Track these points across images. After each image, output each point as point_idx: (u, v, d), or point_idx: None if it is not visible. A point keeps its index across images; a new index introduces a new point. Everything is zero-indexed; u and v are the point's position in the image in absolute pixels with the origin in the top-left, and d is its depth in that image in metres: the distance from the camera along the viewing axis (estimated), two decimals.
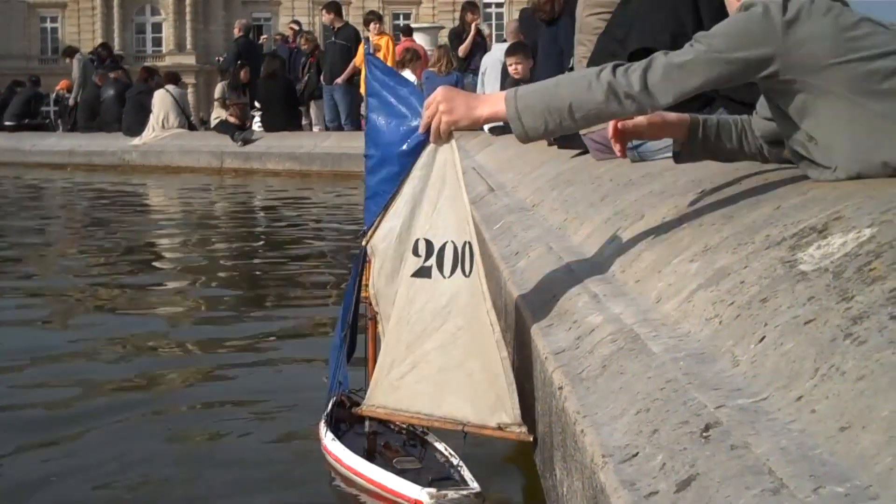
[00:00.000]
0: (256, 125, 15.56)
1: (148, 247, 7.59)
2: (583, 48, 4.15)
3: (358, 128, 15.26)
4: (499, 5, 65.76)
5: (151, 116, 16.02)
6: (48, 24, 69.76)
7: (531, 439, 2.02)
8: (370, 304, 2.36)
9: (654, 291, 1.93)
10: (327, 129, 15.66)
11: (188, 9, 67.94)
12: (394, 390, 2.26)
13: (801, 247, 1.62)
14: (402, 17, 67.41)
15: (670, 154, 3.40)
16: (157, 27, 68.69)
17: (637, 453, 1.28)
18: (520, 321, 2.37)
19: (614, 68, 2.03)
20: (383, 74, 2.32)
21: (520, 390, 2.08)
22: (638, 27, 3.45)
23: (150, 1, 68.42)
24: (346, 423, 2.52)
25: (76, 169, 16.09)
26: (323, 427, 2.48)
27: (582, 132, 4.30)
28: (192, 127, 16.97)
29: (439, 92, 2.15)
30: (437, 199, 2.18)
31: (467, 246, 2.13)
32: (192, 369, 3.78)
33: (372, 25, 15.01)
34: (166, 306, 5.01)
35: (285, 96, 15.08)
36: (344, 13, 19.09)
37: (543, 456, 1.93)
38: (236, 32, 17.32)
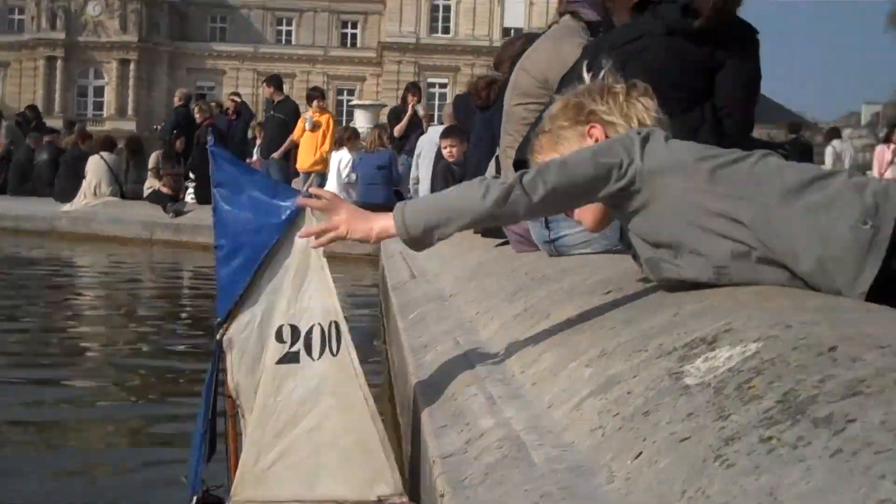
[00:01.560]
0: (190, 197, 15.44)
1: (64, 321, 7.46)
2: (509, 138, 4.17)
3: None
4: (442, 86, 66.40)
5: (84, 183, 15.85)
6: None
7: None
8: (229, 399, 2.30)
9: (547, 396, 1.92)
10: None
11: (132, 74, 67.89)
12: (262, 481, 2.22)
13: (689, 358, 1.61)
14: (345, 92, 67.88)
15: (587, 250, 3.43)
16: (99, 91, 68.51)
17: None
18: (417, 420, 2.34)
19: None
20: (231, 165, 2.31)
21: (414, 493, 2.04)
22: None
23: (94, 64, 68.28)
24: None
25: (2, 234, 15.81)
26: None
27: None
28: (125, 195, 16.83)
29: (343, 213, 2.16)
30: (301, 284, 2.17)
31: (333, 325, 2.15)
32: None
33: (315, 102, 15.07)
34: (75, 379, 4.92)
35: None
36: (288, 87, 19.12)
37: None
38: (176, 101, 17.30)
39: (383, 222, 2.14)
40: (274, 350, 2.20)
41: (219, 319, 2.28)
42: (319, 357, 2.15)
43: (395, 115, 14.67)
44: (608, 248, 3.37)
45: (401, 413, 3.27)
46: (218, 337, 2.27)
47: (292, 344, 2.17)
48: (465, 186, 2.20)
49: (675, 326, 1.85)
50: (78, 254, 13.34)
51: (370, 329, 6.38)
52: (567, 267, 3.13)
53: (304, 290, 2.18)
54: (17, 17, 69.61)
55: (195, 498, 2.43)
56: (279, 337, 2.19)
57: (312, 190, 2.36)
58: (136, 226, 14.76)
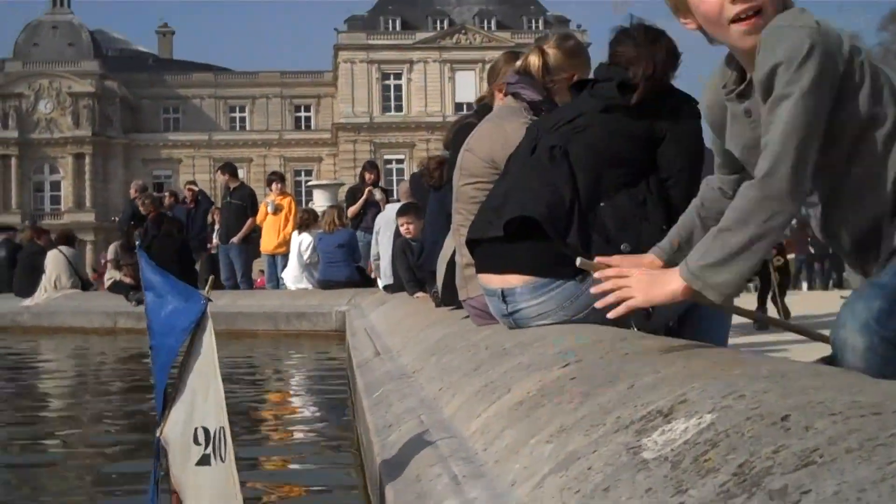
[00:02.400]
0: None
1: (30, 412, 7.39)
2: (460, 216, 4.20)
3: (251, 286, 15.22)
4: (399, 161, 66.82)
5: (44, 277, 15.81)
6: None
7: None
8: (174, 494, 2.30)
9: (510, 474, 1.91)
10: (223, 287, 15.59)
11: (87, 167, 68.01)
12: None
13: (646, 431, 1.62)
14: (303, 173, 68.19)
15: (546, 321, 3.44)
16: (55, 185, 68.56)
17: None
18: (383, 501, 2.32)
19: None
20: (153, 269, 2.35)
21: None
22: (514, 197, 3.50)
23: (48, 160, 68.36)
24: None
25: None
26: None
27: (462, 298, 4.33)
28: (86, 286, 16.76)
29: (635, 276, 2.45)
30: (206, 387, 2.17)
31: (222, 431, 2.13)
32: None
33: (274, 185, 15.16)
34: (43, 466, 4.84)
35: (180, 256, 14.99)
36: (246, 171, 19.12)
37: None
38: (132, 193, 17.30)
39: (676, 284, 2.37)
40: (194, 451, 2.22)
41: (157, 418, 2.28)
42: (221, 461, 2.17)
43: (353, 194, 14.74)
44: (566, 318, 3.38)
45: (371, 491, 3.25)
46: (158, 434, 2.28)
47: (206, 446, 2.19)
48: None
49: (631, 398, 1.86)
50: (42, 347, 13.22)
51: (341, 402, 6.36)
52: (525, 340, 3.14)
53: (208, 393, 2.19)
54: None
55: None
56: (195, 439, 2.21)
57: (599, 260, 2.65)
58: (100, 316, 14.69)
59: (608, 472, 1.56)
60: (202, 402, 2.18)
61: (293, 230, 14.63)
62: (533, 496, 1.71)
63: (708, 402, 1.59)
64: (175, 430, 2.23)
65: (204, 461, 2.18)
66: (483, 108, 5.36)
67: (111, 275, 15.63)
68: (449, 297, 5.47)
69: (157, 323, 2.25)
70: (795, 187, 2.22)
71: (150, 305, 2.27)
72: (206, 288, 2.20)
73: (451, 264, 4.85)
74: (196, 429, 2.19)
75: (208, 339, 2.16)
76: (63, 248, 16.28)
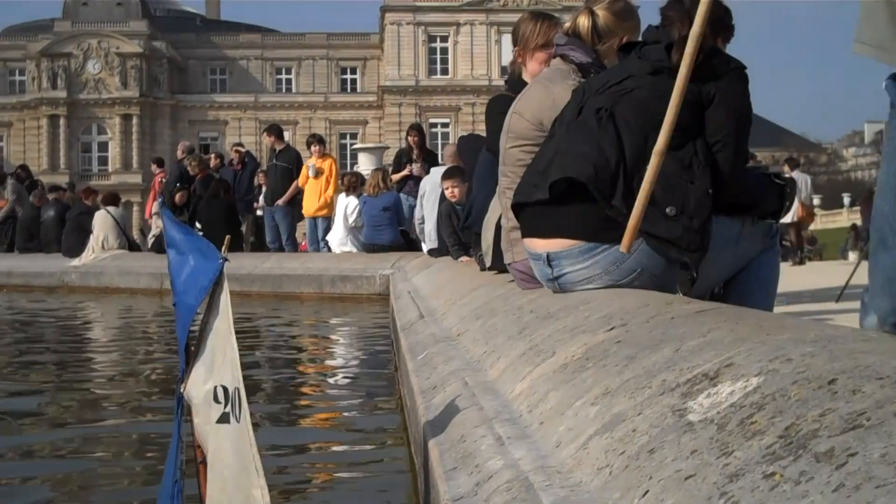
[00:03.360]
0: None
1: (84, 362, 7.53)
2: (506, 179, 4.19)
3: (296, 249, 15.30)
4: (444, 125, 66.68)
5: (91, 237, 15.97)
6: None
7: None
8: (198, 448, 2.34)
9: (554, 435, 1.92)
10: (268, 250, 15.69)
11: (135, 128, 68.39)
12: None
13: (692, 394, 1.62)
14: (348, 136, 68.23)
15: (590, 286, 3.44)
16: (103, 146, 68.98)
17: None
18: (429, 462, 2.34)
19: None
20: (177, 226, 2.38)
21: None
22: (559, 160, 3.49)
23: (96, 121, 68.78)
24: None
25: (13, 290, 15.91)
26: None
27: (507, 261, 4.33)
28: (133, 247, 16.91)
29: None
30: (224, 346, 2.20)
31: (237, 391, 2.17)
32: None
33: (313, 148, 15.16)
34: (102, 420, 4.92)
35: (227, 217, 15.10)
36: (291, 133, 19.17)
37: None
38: (179, 154, 17.42)
39: None
40: (215, 409, 2.25)
41: (179, 375, 2.32)
42: (238, 421, 2.20)
43: (399, 159, 14.73)
44: (611, 283, 3.38)
45: (415, 452, 3.27)
46: (180, 390, 2.32)
47: (226, 404, 2.22)
48: None
49: (677, 362, 1.86)
50: (89, 307, 13.37)
51: (385, 363, 6.40)
52: (571, 304, 3.14)
53: (225, 352, 2.22)
54: (17, 77, 70.25)
55: None
56: (216, 397, 2.24)
57: None
58: (146, 276, 14.83)
59: (653, 433, 1.57)
60: (220, 361, 2.22)
61: (334, 192, 14.66)
62: (577, 457, 1.72)
63: (755, 366, 1.59)
64: (197, 387, 2.28)
65: (224, 419, 2.22)
66: (515, 82, 5.31)
67: (156, 230, 15.79)
68: (494, 261, 5.48)
69: (179, 281, 2.28)
70: None
71: (172, 263, 2.30)
72: (223, 248, 2.22)
73: (497, 228, 4.85)
74: (216, 387, 2.23)
75: (224, 299, 2.19)
76: (110, 208, 16.43)
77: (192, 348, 2.27)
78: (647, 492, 1.39)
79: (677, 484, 1.34)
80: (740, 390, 1.52)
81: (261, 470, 2.09)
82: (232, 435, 2.20)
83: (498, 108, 4.98)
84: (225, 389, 2.20)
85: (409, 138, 14.62)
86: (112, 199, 16.91)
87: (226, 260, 2.20)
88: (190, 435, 2.31)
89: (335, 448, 4.42)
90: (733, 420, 1.42)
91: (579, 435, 1.81)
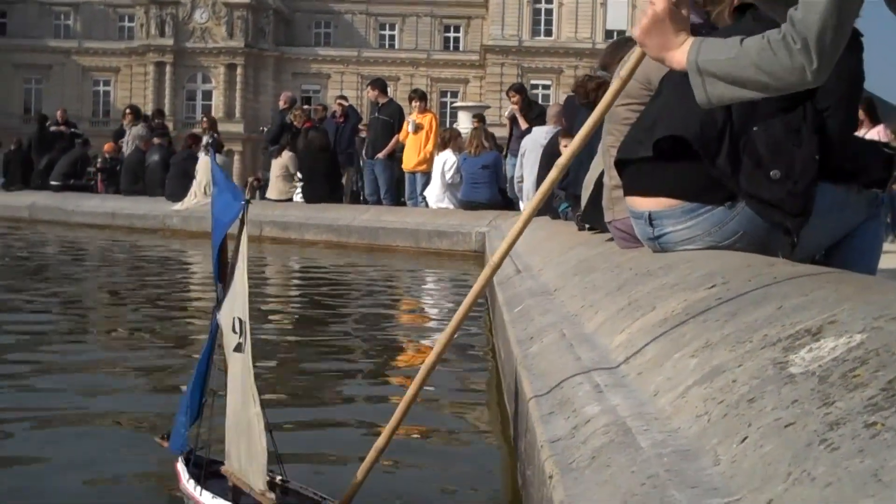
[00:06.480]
0: (298, 196, 15.74)
1: (186, 301, 7.74)
2: (611, 137, 4.19)
3: (396, 202, 15.40)
4: (545, 87, 66.28)
5: (194, 183, 16.24)
6: (101, 88, 71.05)
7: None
8: (226, 372, 2.49)
9: (652, 385, 1.95)
10: (366, 202, 15.83)
11: (238, 78, 69.10)
12: (228, 456, 2.48)
13: (794, 349, 1.64)
14: (449, 94, 68.18)
15: (691, 246, 3.44)
16: (207, 95, 69.81)
17: None
18: (526, 407, 2.39)
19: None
20: (219, 170, 2.55)
21: (523, 475, 2.09)
22: (666, 117, 3.49)
23: (201, 69, 69.66)
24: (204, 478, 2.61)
25: (116, 231, 16.29)
26: (192, 484, 2.56)
27: (607, 220, 4.34)
28: None
29: (652, 16, 2.36)
30: (241, 280, 2.34)
31: (245, 324, 2.32)
32: None
33: (414, 103, 15.20)
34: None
35: (328, 169, 15.26)
36: (392, 90, 19.25)
37: None
38: (281, 104, 17.60)
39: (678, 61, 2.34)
40: (231, 339, 2.40)
41: (215, 303, 2.50)
42: (243, 351, 2.35)
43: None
44: (713, 244, 3.38)
45: (508, 402, 3.32)
46: (216, 316, 2.48)
47: (241, 335, 2.36)
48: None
49: (779, 318, 1.87)
50: (190, 250, 13.64)
51: (476, 322, 6.45)
52: (671, 263, 3.15)
53: (241, 286, 2.34)
54: (126, 24, 71.39)
55: (183, 455, 2.66)
56: (233, 327, 2.38)
57: None
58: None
59: (753, 384, 1.59)
60: (240, 293, 2.36)
61: (434, 148, 14.71)
62: (676, 405, 1.75)
63: (859, 323, 1.60)
64: (226, 316, 2.44)
65: (238, 349, 2.38)
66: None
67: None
68: (592, 221, 5.49)
69: (213, 217, 2.45)
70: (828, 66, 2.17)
71: (213, 199, 2.47)
72: (247, 189, 2.38)
73: (598, 187, 4.85)
74: (234, 318, 2.38)
75: (244, 238, 2.33)
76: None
77: (225, 281, 2.42)
78: (746, 438, 1.42)
79: (776, 431, 1.36)
80: (843, 345, 1.53)
81: (257, 398, 2.26)
82: (241, 364, 2.36)
83: (570, 107, 4.94)
84: (240, 321, 2.35)
85: (511, 99, 14.58)
86: (216, 146, 17.18)
87: (248, 202, 2.34)
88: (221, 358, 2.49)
89: (424, 398, 4.49)
90: (835, 373, 1.44)
91: (678, 385, 1.84)
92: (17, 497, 2.81)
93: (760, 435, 1.39)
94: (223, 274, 2.45)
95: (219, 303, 2.47)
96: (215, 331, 2.51)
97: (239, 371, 2.38)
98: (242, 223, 2.33)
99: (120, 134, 20.51)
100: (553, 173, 2.35)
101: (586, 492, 1.54)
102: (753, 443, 1.38)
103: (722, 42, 2.30)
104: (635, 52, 2.48)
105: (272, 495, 2.28)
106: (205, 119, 18.98)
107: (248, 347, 2.32)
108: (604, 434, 1.75)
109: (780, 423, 1.38)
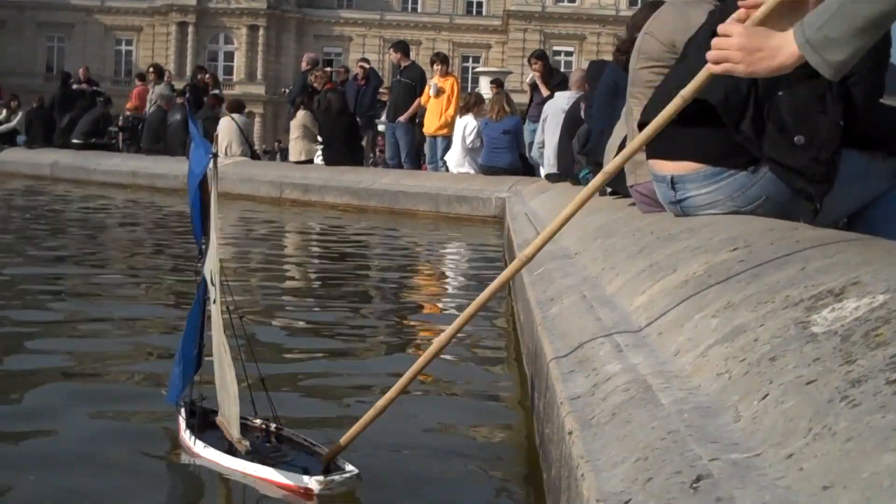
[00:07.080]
0: (318, 159, 15.75)
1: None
2: (635, 101, 4.18)
3: (417, 166, 15.40)
4: (567, 54, 65.99)
5: (215, 143, 16.27)
6: (123, 47, 71.11)
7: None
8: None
9: (673, 345, 1.95)
10: (387, 165, 15.83)
11: (260, 40, 69.00)
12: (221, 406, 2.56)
13: (816, 308, 1.64)
14: (471, 59, 67.95)
15: (714, 211, 3.43)
16: (229, 56, 69.77)
17: (630, 500, 1.30)
18: (546, 366, 2.40)
19: None
20: (197, 128, 2.69)
21: (541, 434, 2.10)
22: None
23: (223, 30, 69.58)
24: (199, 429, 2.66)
25: (138, 190, 16.34)
26: (188, 435, 2.61)
27: (629, 184, 4.34)
28: (254, 156, 17.19)
29: (738, 36, 2.19)
30: (212, 234, 2.43)
31: (215, 277, 2.41)
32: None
33: (436, 67, 15.16)
34: None
35: (348, 132, 15.25)
36: (415, 54, 19.17)
37: (553, 499, 1.95)
38: (303, 66, 17.59)
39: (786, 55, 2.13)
40: (212, 292, 2.47)
41: (198, 255, 2.59)
42: (213, 304, 2.44)
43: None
44: (735, 209, 3.37)
45: (527, 363, 3.33)
46: (199, 268, 2.56)
47: (215, 288, 2.44)
48: None
49: (801, 280, 1.87)
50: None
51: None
52: (693, 226, 3.15)
53: (213, 240, 2.42)
54: None
55: (184, 406, 2.71)
56: (212, 279, 2.45)
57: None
58: (266, 185, 15.09)
59: (775, 343, 1.59)
60: (213, 247, 2.43)
61: (455, 112, 14.68)
62: (697, 364, 1.76)
63: (882, 284, 1.60)
64: (207, 269, 2.51)
65: (214, 301, 2.46)
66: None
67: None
68: (614, 185, 5.48)
69: (189, 169, 2.53)
70: None
71: (190, 153, 2.56)
72: (214, 144, 2.44)
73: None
74: (211, 270, 2.46)
75: (213, 192, 2.41)
76: (235, 115, 16.71)
77: (205, 233, 2.50)
78: (767, 395, 1.42)
79: (798, 388, 1.37)
80: (866, 305, 1.54)
81: (227, 349, 2.35)
82: (215, 315, 2.44)
83: (594, 72, 4.93)
84: (212, 273, 2.43)
85: (532, 66, 14.51)
86: (237, 106, 17.20)
87: (216, 155, 2.42)
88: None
89: (443, 357, 4.50)
90: (857, 332, 1.44)
91: (699, 344, 1.85)
92: (24, 446, 2.83)
93: (782, 392, 1.39)
94: (206, 228, 2.51)
95: (202, 255, 2.54)
96: (205, 284, 2.57)
97: (216, 321, 2.45)
98: (209, 178, 2.42)
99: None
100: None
101: (605, 447, 1.55)
102: (774, 399, 1.39)
103: (819, 8, 2.14)
104: None
105: (247, 442, 2.36)
106: (207, 74, 18.98)
107: (217, 301, 2.40)
108: (624, 391, 1.76)
109: (802, 380, 1.39)
